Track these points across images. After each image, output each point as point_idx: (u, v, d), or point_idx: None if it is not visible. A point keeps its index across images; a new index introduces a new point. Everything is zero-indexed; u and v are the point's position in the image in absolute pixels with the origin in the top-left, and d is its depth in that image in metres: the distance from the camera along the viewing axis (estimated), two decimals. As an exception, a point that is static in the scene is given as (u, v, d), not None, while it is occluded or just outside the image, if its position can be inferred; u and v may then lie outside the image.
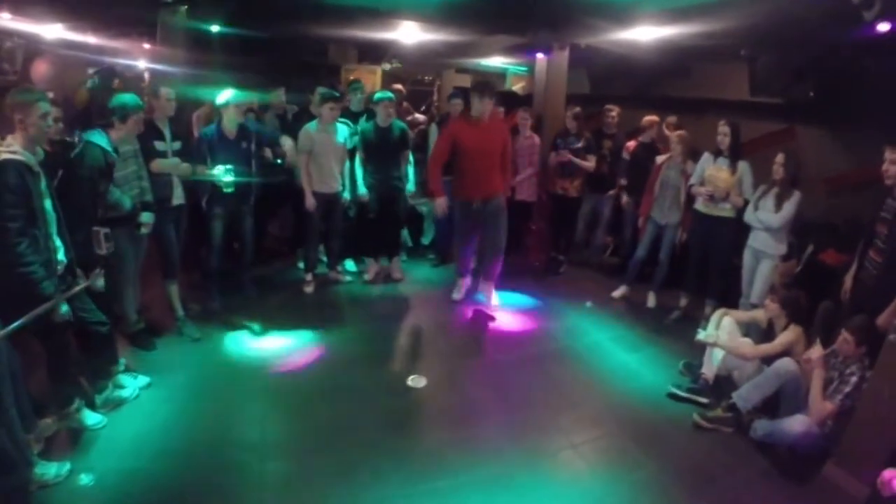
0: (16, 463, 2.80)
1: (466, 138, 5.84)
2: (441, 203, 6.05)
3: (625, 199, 7.22)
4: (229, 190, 5.40)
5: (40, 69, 5.15)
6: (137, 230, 4.71)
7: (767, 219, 5.25)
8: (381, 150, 6.60)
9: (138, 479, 3.58)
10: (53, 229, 3.59)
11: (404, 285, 7.09)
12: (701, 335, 4.82)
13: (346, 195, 6.64)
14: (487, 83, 6.37)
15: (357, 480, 3.68)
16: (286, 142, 6.29)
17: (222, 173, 5.30)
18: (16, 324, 2.80)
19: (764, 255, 5.35)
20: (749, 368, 4.54)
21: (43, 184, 3.49)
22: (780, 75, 7.00)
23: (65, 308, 3.49)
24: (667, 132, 7.21)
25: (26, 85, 3.73)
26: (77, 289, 3.58)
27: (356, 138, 6.66)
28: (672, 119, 7.64)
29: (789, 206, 5.18)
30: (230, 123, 5.54)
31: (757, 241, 5.40)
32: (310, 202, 6.23)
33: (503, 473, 3.82)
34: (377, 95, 6.70)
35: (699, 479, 3.86)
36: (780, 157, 5.27)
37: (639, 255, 6.65)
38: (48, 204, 3.53)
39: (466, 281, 6.74)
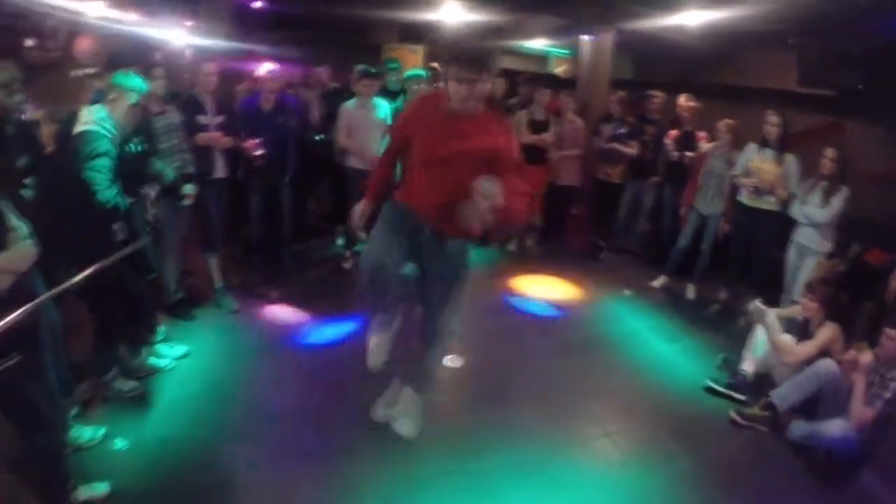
0: (52, 424, 2.88)
1: (428, 133, 3.42)
2: (359, 211, 3.72)
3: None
4: (258, 163, 5.47)
5: (83, 46, 5.23)
6: (179, 202, 4.78)
7: (814, 214, 5.18)
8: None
9: (171, 446, 3.69)
10: None
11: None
12: (751, 306, 4.81)
13: None
14: (478, 51, 3.31)
15: (389, 458, 3.73)
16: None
17: (254, 148, 5.39)
18: (106, 261, 2.98)
19: (808, 251, 5.29)
20: (788, 367, 4.50)
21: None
22: (829, 65, 6.86)
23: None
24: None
25: (138, 69, 3.88)
26: (121, 253, 3.55)
27: None
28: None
29: (836, 202, 5.09)
30: (264, 96, 5.63)
31: (802, 236, 5.33)
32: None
33: (536, 459, 3.85)
34: (407, 73, 6.76)
35: (733, 477, 3.86)
36: (829, 152, 5.17)
37: (680, 245, 6.58)
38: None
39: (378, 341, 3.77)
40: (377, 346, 3.75)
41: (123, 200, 3.58)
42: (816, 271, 5.20)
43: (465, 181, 3.11)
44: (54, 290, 2.83)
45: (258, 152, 5.39)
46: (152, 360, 4.42)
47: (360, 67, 6.39)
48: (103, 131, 3.48)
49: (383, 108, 6.39)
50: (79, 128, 3.50)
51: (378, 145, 6.35)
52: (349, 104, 6.25)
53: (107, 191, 3.45)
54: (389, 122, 6.45)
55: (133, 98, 3.62)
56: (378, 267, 3.46)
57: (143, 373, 4.33)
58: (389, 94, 6.77)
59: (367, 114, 6.26)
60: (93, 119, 3.49)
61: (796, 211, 5.33)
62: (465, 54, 3.27)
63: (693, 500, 3.63)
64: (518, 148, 3.52)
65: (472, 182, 2.98)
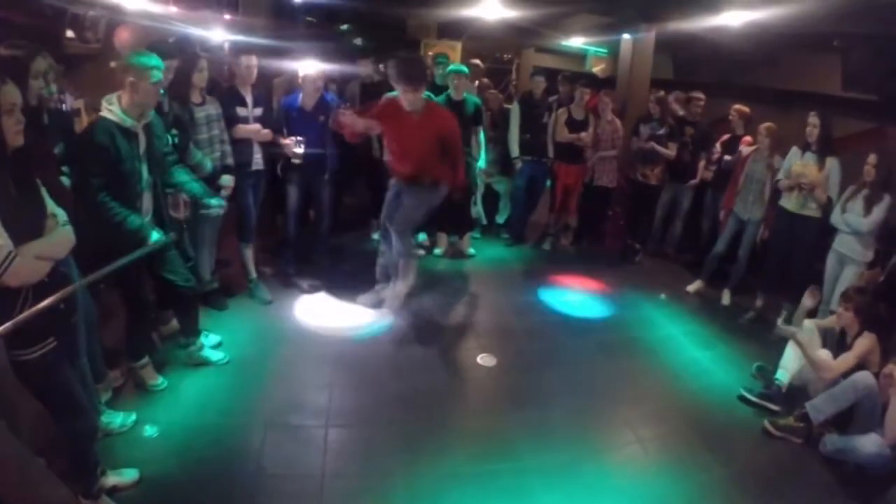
0: (85, 409, 2.89)
1: (395, 126, 5.12)
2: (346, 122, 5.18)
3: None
4: (297, 161, 5.54)
5: (122, 38, 5.32)
6: (217, 192, 4.82)
7: (855, 222, 5.08)
8: None
9: (201, 434, 3.73)
10: (147, 194, 3.73)
11: (477, 263, 7.16)
12: (780, 323, 4.72)
13: None
14: (414, 69, 4.93)
15: (421, 455, 3.76)
16: None
17: (294, 145, 5.45)
18: (108, 268, 2.92)
19: (849, 261, 5.18)
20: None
21: (142, 147, 3.62)
22: (874, 70, 6.73)
23: (156, 235, 3.54)
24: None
25: (146, 50, 3.88)
26: (138, 253, 3.47)
27: None
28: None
29: (879, 211, 4.98)
30: (307, 96, 5.68)
31: (842, 245, 5.22)
32: None
33: (568, 462, 3.84)
34: (448, 68, 6.75)
35: (764, 488, 3.82)
36: (872, 158, 5.06)
37: (717, 250, 6.53)
38: (144, 168, 3.66)
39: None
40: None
41: (107, 198, 3.43)
42: (856, 281, 5.10)
43: (426, 155, 5.03)
44: (87, 278, 2.87)
45: (298, 150, 5.46)
46: (203, 352, 4.47)
47: None
48: (113, 118, 3.43)
49: None
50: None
51: None
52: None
53: (85, 188, 3.40)
54: None
55: (155, 76, 3.53)
56: (386, 217, 5.42)
57: (191, 361, 4.42)
58: (436, 88, 6.80)
59: None
60: (105, 107, 3.45)
61: (836, 219, 5.23)
62: (404, 73, 4.80)
63: (724, 511, 3.61)
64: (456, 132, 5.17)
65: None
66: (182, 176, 4.18)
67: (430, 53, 10.84)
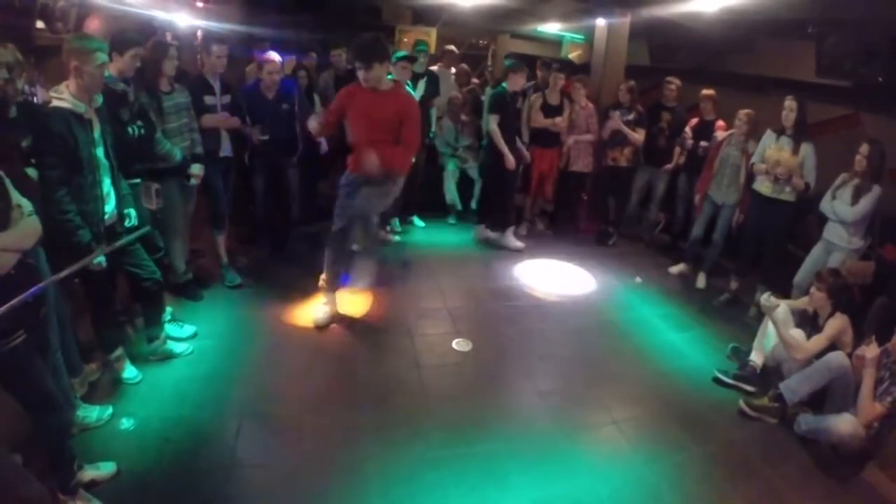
0: (59, 404, 2.85)
1: (354, 107, 4.79)
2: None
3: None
4: (263, 144, 5.55)
5: (93, 27, 5.21)
6: (187, 181, 4.83)
7: (842, 211, 5.04)
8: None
9: (178, 426, 3.70)
10: (105, 178, 3.65)
11: (455, 248, 7.17)
12: (763, 298, 4.66)
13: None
14: (365, 45, 4.57)
15: (397, 440, 3.75)
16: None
17: (258, 132, 5.49)
18: (59, 275, 2.83)
19: (836, 248, 5.15)
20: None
21: (96, 132, 3.55)
22: (849, 56, 6.74)
23: (100, 258, 3.47)
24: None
25: (87, 33, 3.76)
26: (118, 244, 3.56)
27: None
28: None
29: (866, 202, 4.94)
30: (267, 87, 5.65)
31: (830, 233, 5.19)
32: None
33: (544, 444, 3.85)
34: (509, 63, 6.83)
35: (739, 467, 3.85)
36: (864, 148, 5.00)
37: (696, 235, 6.54)
38: (100, 152, 3.58)
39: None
40: None
41: (65, 198, 3.38)
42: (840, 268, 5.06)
43: (383, 131, 4.67)
44: (57, 276, 2.79)
45: (263, 137, 5.47)
46: (167, 345, 4.41)
47: (396, 51, 6.35)
48: (66, 106, 3.36)
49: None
50: None
51: None
52: None
53: (53, 186, 3.34)
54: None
55: (100, 58, 3.43)
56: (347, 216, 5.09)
57: (156, 356, 4.34)
58: (414, 76, 6.78)
59: None
60: (55, 97, 3.38)
61: (825, 206, 5.20)
62: (355, 48, 4.62)
63: (700, 490, 3.62)
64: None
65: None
66: (166, 145, 4.43)
67: (406, 40, 10.84)
